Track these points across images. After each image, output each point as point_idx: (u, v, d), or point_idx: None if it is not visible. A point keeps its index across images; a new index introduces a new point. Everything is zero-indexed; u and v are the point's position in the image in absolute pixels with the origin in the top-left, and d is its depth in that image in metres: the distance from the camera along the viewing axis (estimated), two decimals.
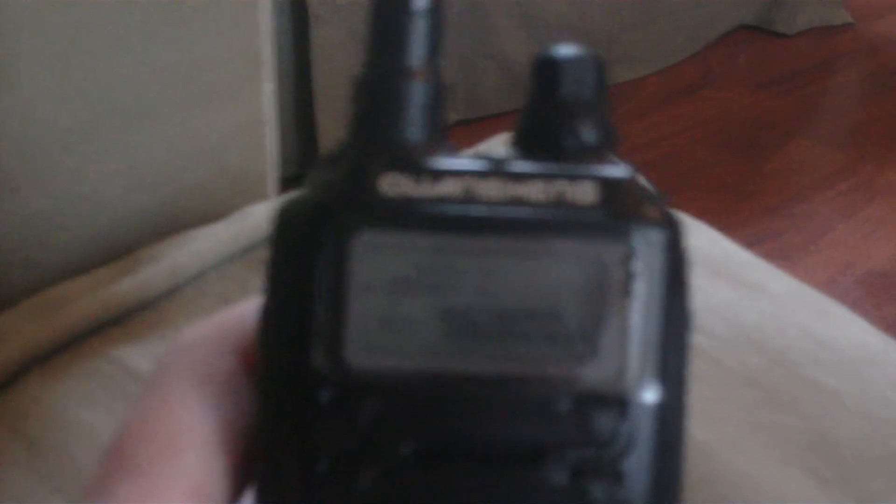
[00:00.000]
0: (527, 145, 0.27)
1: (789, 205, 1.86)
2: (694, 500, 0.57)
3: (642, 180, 0.26)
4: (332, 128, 1.58)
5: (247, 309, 0.28)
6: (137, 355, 0.63)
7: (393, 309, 0.25)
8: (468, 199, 0.25)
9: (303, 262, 0.25)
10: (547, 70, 0.28)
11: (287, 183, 0.83)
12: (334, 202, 0.25)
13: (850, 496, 0.59)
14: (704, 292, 0.68)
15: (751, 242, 1.78)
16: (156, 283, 0.67)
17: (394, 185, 0.25)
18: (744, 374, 0.64)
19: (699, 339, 0.63)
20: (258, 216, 0.73)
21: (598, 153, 0.27)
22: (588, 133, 0.27)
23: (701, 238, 0.75)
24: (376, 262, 0.25)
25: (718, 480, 0.58)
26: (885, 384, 0.65)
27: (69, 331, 0.64)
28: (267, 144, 0.80)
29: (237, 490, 0.27)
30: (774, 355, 0.65)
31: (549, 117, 0.27)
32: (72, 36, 0.67)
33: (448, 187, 0.25)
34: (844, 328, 0.70)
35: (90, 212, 0.72)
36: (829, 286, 1.65)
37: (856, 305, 0.74)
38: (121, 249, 0.73)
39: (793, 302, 0.71)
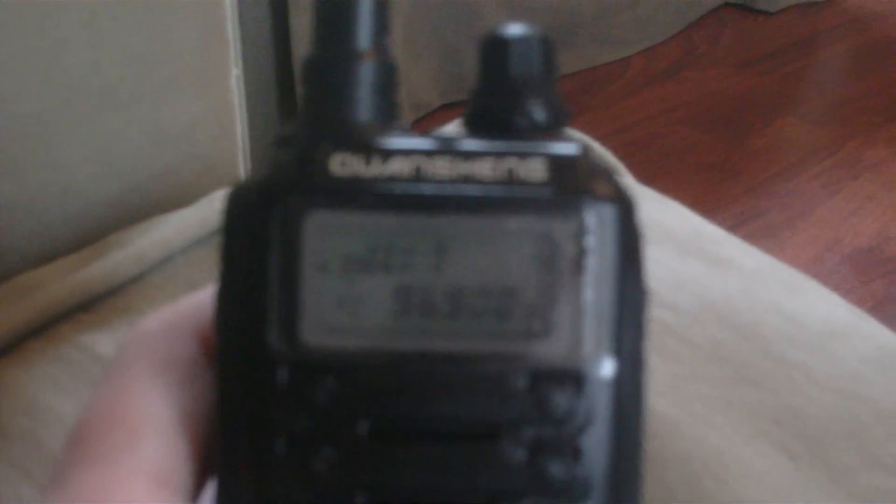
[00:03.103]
0: (478, 125, 0.27)
1: (775, 183, 1.86)
2: (666, 478, 0.57)
3: (594, 157, 0.26)
4: None
5: (207, 296, 0.28)
6: (106, 342, 0.63)
7: (346, 288, 0.25)
8: (418, 177, 0.25)
9: (255, 243, 0.25)
10: (494, 49, 0.28)
11: None
12: (285, 183, 0.25)
13: (819, 470, 0.59)
14: (673, 269, 0.68)
15: (736, 221, 1.80)
16: (124, 269, 0.67)
17: (344, 164, 0.25)
18: (712, 350, 0.64)
19: (668, 316, 0.64)
20: None
21: (549, 131, 0.27)
22: (538, 111, 0.27)
23: (671, 215, 0.75)
24: (328, 242, 0.25)
25: (690, 459, 0.58)
26: (855, 358, 0.65)
27: (38, 317, 0.64)
28: (237, 129, 0.80)
29: (200, 479, 0.27)
30: (743, 331, 0.65)
31: (498, 96, 0.27)
32: (39, 23, 0.67)
33: (398, 166, 0.25)
34: (814, 303, 0.70)
35: (60, 199, 0.72)
36: (816, 263, 1.65)
37: (843, 282, 0.74)
38: (91, 236, 0.73)
39: (763, 277, 0.71)
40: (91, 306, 0.66)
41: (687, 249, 0.71)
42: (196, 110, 0.77)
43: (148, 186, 0.76)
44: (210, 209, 0.72)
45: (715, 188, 1.81)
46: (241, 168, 0.81)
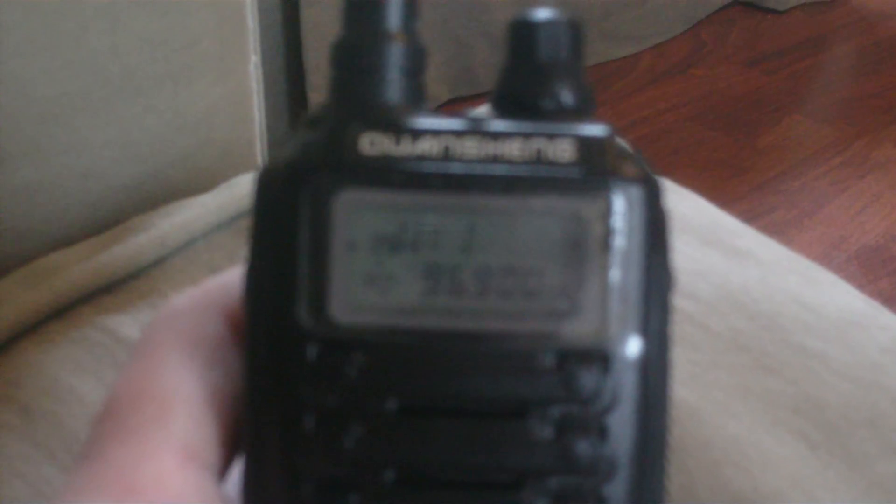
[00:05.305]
0: (505, 108, 0.28)
1: (782, 181, 1.86)
2: (688, 464, 0.57)
3: (621, 140, 0.27)
4: None
5: (234, 276, 0.28)
6: (127, 324, 0.64)
7: (376, 266, 0.25)
8: (447, 157, 0.26)
9: (285, 221, 0.26)
10: (524, 33, 0.28)
11: None
12: (316, 162, 0.26)
13: (839, 458, 0.59)
14: (692, 258, 0.68)
15: (744, 219, 1.77)
16: (145, 253, 0.67)
17: (374, 144, 0.26)
18: (732, 338, 0.64)
19: (687, 304, 0.64)
20: (245, 186, 0.73)
21: (575, 114, 0.27)
22: (565, 94, 0.27)
23: (689, 206, 0.75)
24: (358, 220, 0.25)
25: (711, 445, 0.58)
26: (873, 348, 0.65)
27: (61, 298, 0.64)
28: (255, 116, 0.80)
29: (228, 456, 0.28)
30: (762, 320, 0.65)
31: (526, 79, 0.28)
32: (61, 8, 0.67)
33: (427, 146, 0.26)
34: (832, 294, 0.70)
35: (80, 183, 0.72)
36: (823, 261, 1.64)
37: (850, 280, 0.74)
38: (110, 220, 0.73)
39: (781, 268, 0.71)
40: (113, 289, 0.66)
41: (706, 240, 0.71)
42: (215, 96, 0.77)
43: (166, 171, 0.76)
44: (230, 194, 0.72)
45: (722, 185, 1.82)
46: (259, 154, 0.82)
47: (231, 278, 0.29)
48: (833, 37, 2.39)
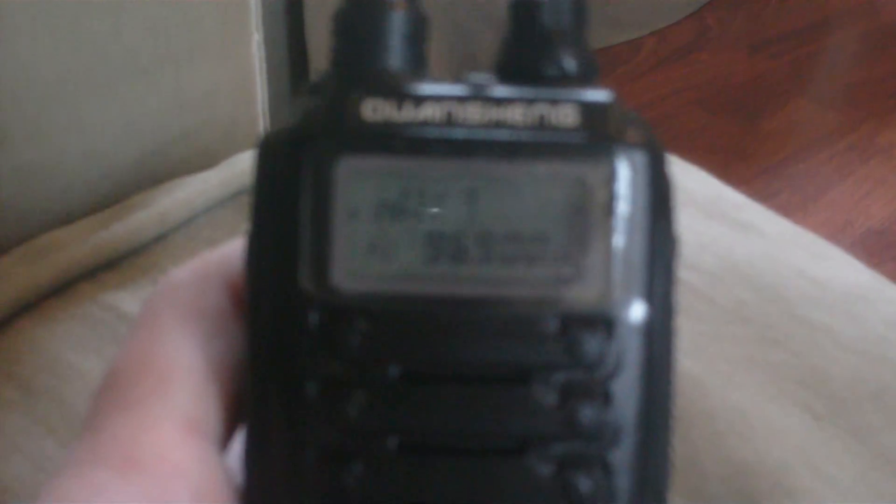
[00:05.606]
0: (508, 74, 0.27)
1: (787, 165, 1.86)
2: (692, 434, 0.57)
3: (624, 105, 0.26)
4: None
5: (234, 247, 0.28)
6: (128, 300, 0.64)
7: (378, 232, 0.25)
8: (450, 122, 0.25)
9: (287, 188, 0.26)
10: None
11: None
12: (317, 128, 0.26)
13: (844, 430, 0.59)
14: (696, 231, 0.68)
15: None
16: (146, 229, 0.67)
17: (376, 110, 0.25)
18: (736, 310, 0.64)
19: (691, 276, 0.64)
20: (247, 162, 0.73)
21: (578, 81, 0.27)
22: (568, 61, 0.27)
23: (693, 179, 0.75)
24: (361, 187, 0.25)
25: (715, 416, 0.58)
26: (878, 321, 0.65)
27: (62, 275, 0.64)
28: (257, 94, 0.80)
29: (230, 429, 0.27)
30: (766, 292, 0.65)
31: (529, 46, 0.27)
32: None
33: (429, 111, 0.25)
34: (837, 267, 0.70)
35: (82, 162, 0.72)
36: None
37: None
38: (112, 200, 0.73)
39: (786, 241, 0.71)
40: (114, 265, 0.66)
41: (709, 212, 0.71)
42: (217, 75, 0.77)
43: (169, 150, 0.76)
44: (232, 171, 0.72)
45: (726, 170, 1.80)
46: (261, 132, 0.82)
47: (231, 250, 0.29)
48: (838, 21, 2.39)
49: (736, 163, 1.85)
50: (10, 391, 0.59)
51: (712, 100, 2.03)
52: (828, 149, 1.91)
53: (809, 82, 2.14)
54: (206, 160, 0.76)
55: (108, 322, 0.62)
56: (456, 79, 0.27)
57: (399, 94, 0.26)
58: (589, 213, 0.25)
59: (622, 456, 0.26)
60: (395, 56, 0.27)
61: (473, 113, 0.25)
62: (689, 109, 1.99)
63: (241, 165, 0.73)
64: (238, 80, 0.79)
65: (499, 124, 0.25)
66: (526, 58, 0.27)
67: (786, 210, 1.70)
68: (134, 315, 0.61)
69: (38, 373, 0.60)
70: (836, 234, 1.69)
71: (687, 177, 0.74)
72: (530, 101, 0.26)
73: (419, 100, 0.26)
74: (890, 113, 2.02)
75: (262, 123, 0.81)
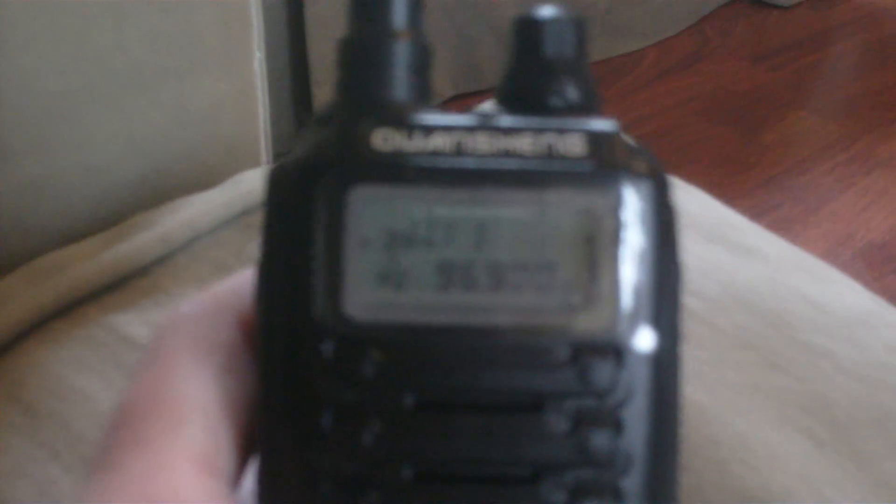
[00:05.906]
0: (512, 104, 0.28)
1: (788, 177, 1.86)
2: (695, 463, 0.57)
3: (628, 137, 0.27)
4: None
5: (243, 279, 0.28)
6: (132, 322, 0.63)
7: (390, 262, 0.25)
8: (460, 152, 0.26)
9: (300, 218, 0.26)
10: (529, 30, 0.28)
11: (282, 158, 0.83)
12: (329, 158, 0.26)
13: (846, 457, 0.59)
14: (698, 256, 0.68)
15: (749, 215, 1.77)
16: (150, 250, 0.67)
17: (386, 140, 0.26)
18: (738, 336, 0.64)
19: (693, 302, 0.64)
20: (251, 182, 0.73)
21: (582, 110, 0.27)
22: (571, 91, 0.27)
23: (695, 203, 0.75)
24: (373, 216, 0.25)
25: (718, 443, 0.58)
26: (880, 346, 0.65)
27: (65, 296, 0.64)
28: (259, 111, 0.80)
29: (242, 464, 0.27)
30: (769, 317, 0.65)
31: (532, 76, 0.28)
32: (66, 4, 0.67)
33: (440, 141, 0.26)
34: (839, 291, 0.70)
35: (84, 178, 0.72)
36: (829, 258, 1.64)
37: (856, 277, 0.74)
38: (114, 215, 0.73)
39: (787, 265, 0.71)
40: (118, 287, 0.66)
41: (711, 237, 0.71)
42: (220, 92, 0.77)
43: (171, 166, 0.76)
44: (236, 191, 0.72)
45: (728, 181, 1.81)
46: (264, 149, 0.82)
47: (240, 282, 0.29)
48: (838, 33, 2.39)
49: (737, 174, 1.85)
50: (15, 414, 0.58)
51: (714, 111, 2.03)
52: (829, 160, 1.91)
53: (810, 94, 2.14)
54: (208, 176, 0.76)
55: (111, 344, 0.62)
56: (461, 109, 0.27)
57: (409, 124, 0.26)
58: (597, 241, 0.26)
59: (633, 483, 0.26)
60: (400, 85, 0.27)
61: (482, 142, 0.26)
62: (691, 120, 2.00)
63: (244, 185, 0.73)
64: (240, 97, 0.79)
65: (508, 153, 0.26)
66: (530, 87, 0.28)
67: (786, 222, 1.71)
68: (137, 337, 0.62)
69: (43, 396, 0.59)
70: (836, 246, 1.69)
71: (689, 200, 0.74)
72: (538, 131, 0.26)
73: (429, 129, 0.26)
74: (891, 125, 2.03)
75: (263, 140, 0.81)
